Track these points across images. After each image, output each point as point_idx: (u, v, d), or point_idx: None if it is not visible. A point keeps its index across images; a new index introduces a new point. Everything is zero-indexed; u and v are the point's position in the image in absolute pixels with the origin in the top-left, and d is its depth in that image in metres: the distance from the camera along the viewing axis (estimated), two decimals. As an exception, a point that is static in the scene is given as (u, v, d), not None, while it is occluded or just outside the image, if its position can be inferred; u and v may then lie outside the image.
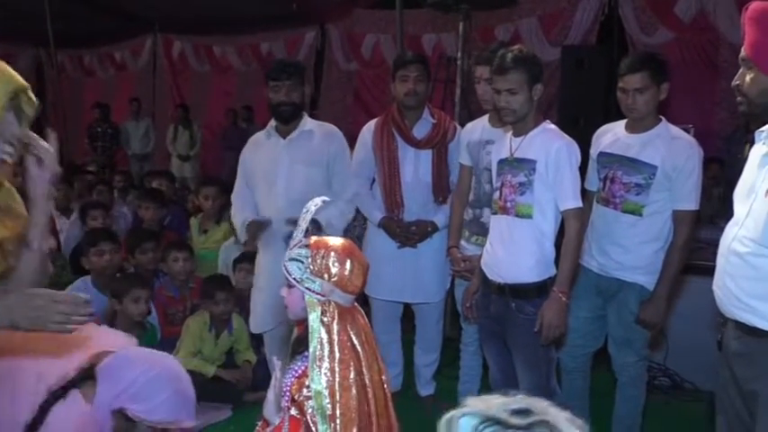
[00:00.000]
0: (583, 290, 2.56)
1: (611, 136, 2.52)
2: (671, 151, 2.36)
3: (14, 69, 1.59)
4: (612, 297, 2.52)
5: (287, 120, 2.74)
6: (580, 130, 3.28)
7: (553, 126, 2.29)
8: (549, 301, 2.18)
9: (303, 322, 1.65)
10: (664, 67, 2.40)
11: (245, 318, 3.47)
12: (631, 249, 2.43)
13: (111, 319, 3.10)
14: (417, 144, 2.87)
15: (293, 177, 2.73)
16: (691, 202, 2.39)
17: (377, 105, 7.45)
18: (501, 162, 2.33)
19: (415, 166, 2.88)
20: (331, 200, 2.68)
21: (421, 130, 2.89)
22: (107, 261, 3.38)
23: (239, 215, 2.86)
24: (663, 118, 2.46)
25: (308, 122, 2.80)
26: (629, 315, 2.47)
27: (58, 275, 3.85)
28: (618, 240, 2.46)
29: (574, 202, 2.20)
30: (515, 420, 0.81)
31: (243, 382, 3.26)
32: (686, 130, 5.98)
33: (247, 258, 3.59)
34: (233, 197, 2.97)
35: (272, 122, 2.81)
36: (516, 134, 2.29)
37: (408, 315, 3.14)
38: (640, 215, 2.42)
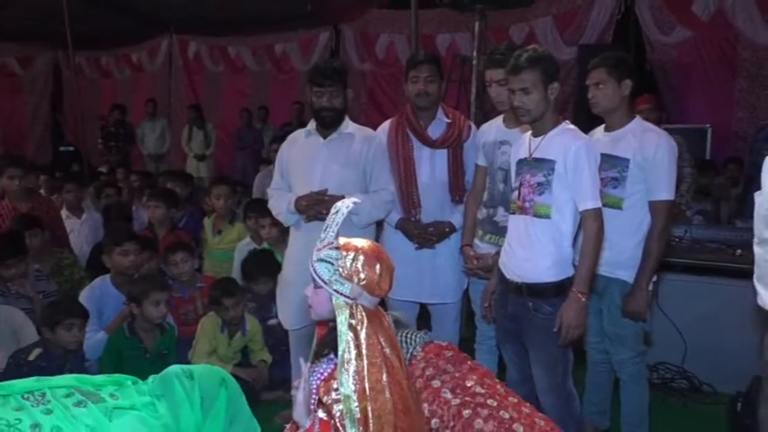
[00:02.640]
0: None
1: (594, 138, 2.62)
2: (642, 144, 2.49)
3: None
4: (602, 294, 2.60)
5: (328, 125, 2.76)
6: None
7: (572, 126, 2.28)
8: (568, 302, 2.18)
9: (325, 324, 1.65)
10: (623, 64, 2.55)
11: (261, 318, 3.49)
12: (613, 243, 2.49)
13: (130, 322, 3.13)
14: (433, 144, 2.86)
15: (328, 177, 2.73)
16: (663, 192, 2.48)
17: (390, 106, 7.46)
18: (520, 162, 2.33)
19: (431, 166, 2.87)
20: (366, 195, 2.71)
21: (435, 129, 2.88)
22: (131, 261, 3.41)
23: (282, 200, 2.81)
24: (637, 116, 2.62)
25: (349, 125, 2.81)
26: (615, 310, 2.56)
27: (71, 273, 3.91)
28: None
29: (593, 202, 2.19)
30: None
31: (259, 381, 3.28)
32: (704, 130, 5.93)
33: (263, 263, 3.61)
34: (270, 191, 2.95)
35: (313, 122, 2.82)
36: (535, 134, 2.30)
37: (424, 315, 3.13)
38: (620, 208, 2.53)
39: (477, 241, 2.79)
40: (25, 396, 1.32)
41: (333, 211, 1.58)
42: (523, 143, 2.34)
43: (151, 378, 1.47)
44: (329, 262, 1.54)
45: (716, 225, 4.38)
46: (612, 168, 2.53)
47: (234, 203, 4.63)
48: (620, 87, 2.52)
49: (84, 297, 3.31)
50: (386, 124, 2.99)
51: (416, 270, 2.85)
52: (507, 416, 1.71)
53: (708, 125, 5.42)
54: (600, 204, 2.21)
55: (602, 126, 2.66)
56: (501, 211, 2.70)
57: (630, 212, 2.52)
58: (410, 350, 1.73)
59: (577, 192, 2.19)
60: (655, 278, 2.59)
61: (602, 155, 2.48)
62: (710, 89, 6.11)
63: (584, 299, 2.17)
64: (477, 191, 2.81)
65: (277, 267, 3.64)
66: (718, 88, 6.09)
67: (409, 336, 1.98)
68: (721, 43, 6.04)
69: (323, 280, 1.54)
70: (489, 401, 1.73)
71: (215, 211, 4.44)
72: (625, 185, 2.51)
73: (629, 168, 2.49)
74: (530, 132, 2.33)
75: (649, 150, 2.47)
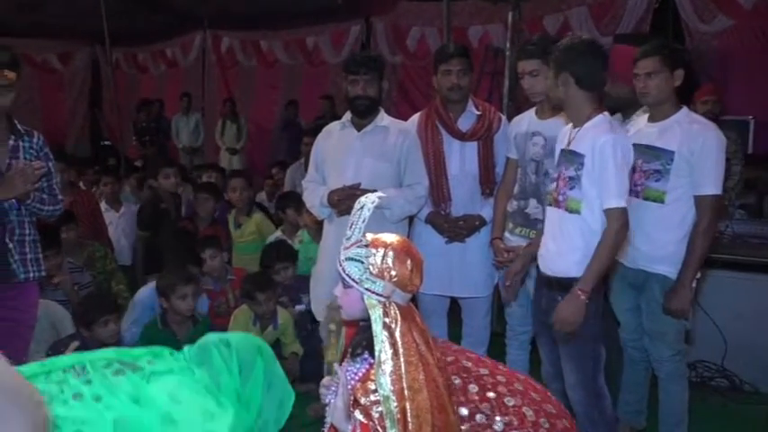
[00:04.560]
0: (618, 283, 2.57)
1: (635, 128, 2.53)
2: (688, 136, 2.38)
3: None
4: (642, 289, 2.53)
5: (363, 114, 2.75)
6: (633, 121, 3.19)
7: (607, 118, 2.20)
8: (567, 297, 2.13)
9: (355, 323, 1.61)
10: (677, 53, 2.43)
11: (290, 302, 3.53)
12: (653, 237, 2.42)
13: (163, 314, 3.19)
14: (462, 136, 2.84)
15: (362, 170, 2.73)
16: (709, 187, 2.37)
17: (422, 99, 7.41)
18: (561, 153, 2.28)
19: (461, 159, 2.85)
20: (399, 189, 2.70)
21: (465, 122, 2.86)
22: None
23: (315, 193, 2.82)
24: (684, 106, 2.47)
25: (384, 118, 2.80)
26: (656, 306, 2.47)
27: (103, 264, 4.02)
28: (641, 228, 2.43)
29: (616, 201, 2.09)
30: None
31: (291, 373, 3.30)
32: (746, 122, 5.76)
33: (276, 251, 3.65)
34: (304, 183, 2.97)
35: (348, 114, 2.82)
36: (574, 125, 2.24)
37: (454, 309, 3.11)
38: (662, 202, 2.43)
39: (507, 234, 2.76)
40: (66, 369, 1.39)
41: (357, 206, 1.53)
42: (565, 133, 2.29)
43: (187, 347, 1.50)
44: (358, 260, 1.49)
45: (758, 220, 4.24)
46: (655, 160, 2.43)
47: (249, 196, 4.68)
48: (672, 77, 2.40)
49: (141, 294, 3.43)
50: (415, 117, 2.97)
51: (447, 264, 2.83)
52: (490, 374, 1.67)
53: (750, 117, 5.25)
54: (623, 204, 2.10)
55: (646, 116, 2.56)
56: (532, 203, 2.67)
57: (673, 207, 2.42)
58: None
59: (601, 189, 2.10)
60: (698, 275, 2.50)
61: (646, 146, 2.42)
62: (753, 79, 5.89)
63: (583, 297, 2.09)
64: (507, 183, 2.78)
65: (293, 253, 3.68)
66: (761, 78, 5.87)
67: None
68: (765, 31, 5.83)
69: (353, 279, 1.49)
70: (464, 363, 1.71)
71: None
72: (668, 178, 2.41)
73: (674, 161, 2.38)
74: (571, 124, 2.28)
75: (696, 143, 2.36)
